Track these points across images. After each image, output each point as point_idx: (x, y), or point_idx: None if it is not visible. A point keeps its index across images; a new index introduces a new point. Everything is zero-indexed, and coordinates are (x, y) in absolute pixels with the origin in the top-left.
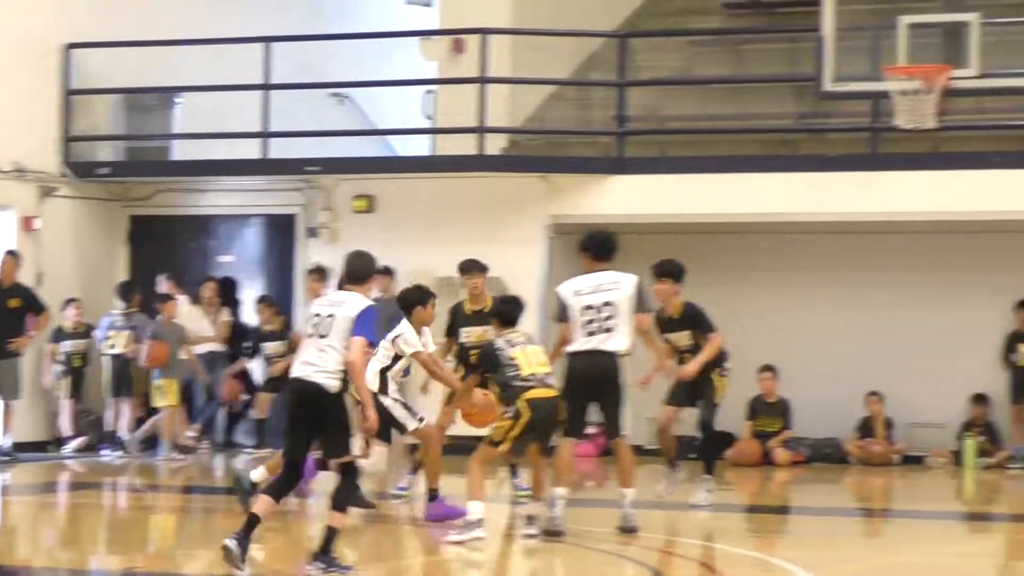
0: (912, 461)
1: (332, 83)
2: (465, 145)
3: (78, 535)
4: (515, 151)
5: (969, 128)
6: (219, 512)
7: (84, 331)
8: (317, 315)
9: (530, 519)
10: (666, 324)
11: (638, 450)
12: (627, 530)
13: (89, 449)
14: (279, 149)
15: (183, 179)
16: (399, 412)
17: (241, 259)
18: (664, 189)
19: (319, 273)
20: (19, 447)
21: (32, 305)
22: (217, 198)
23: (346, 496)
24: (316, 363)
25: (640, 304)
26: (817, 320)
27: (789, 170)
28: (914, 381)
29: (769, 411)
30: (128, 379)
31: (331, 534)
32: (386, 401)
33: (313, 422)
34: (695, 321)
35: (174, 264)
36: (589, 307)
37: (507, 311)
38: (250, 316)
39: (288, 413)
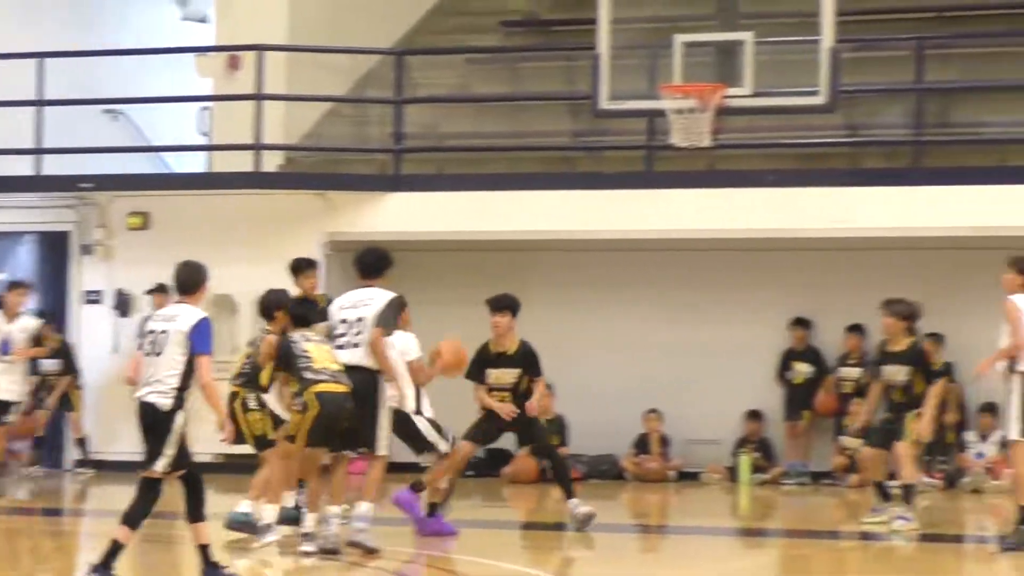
0: (688, 477)
1: (106, 99)
2: (241, 162)
3: None
4: (292, 168)
5: (743, 146)
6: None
7: None
8: (151, 331)
9: (306, 536)
10: (501, 360)
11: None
12: (354, 546)
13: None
14: (53, 165)
15: None
16: (431, 434)
17: (14, 276)
18: (441, 206)
19: (161, 290)
20: None
21: None
22: None
23: (139, 512)
24: (151, 382)
25: (380, 318)
26: (594, 337)
27: (566, 187)
28: (690, 398)
29: (546, 428)
30: None
31: (115, 548)
32: (420, 422)
33: (147, 440)
34: (528, 360)
35: None
36: (344, 321)
37: (301, 312)
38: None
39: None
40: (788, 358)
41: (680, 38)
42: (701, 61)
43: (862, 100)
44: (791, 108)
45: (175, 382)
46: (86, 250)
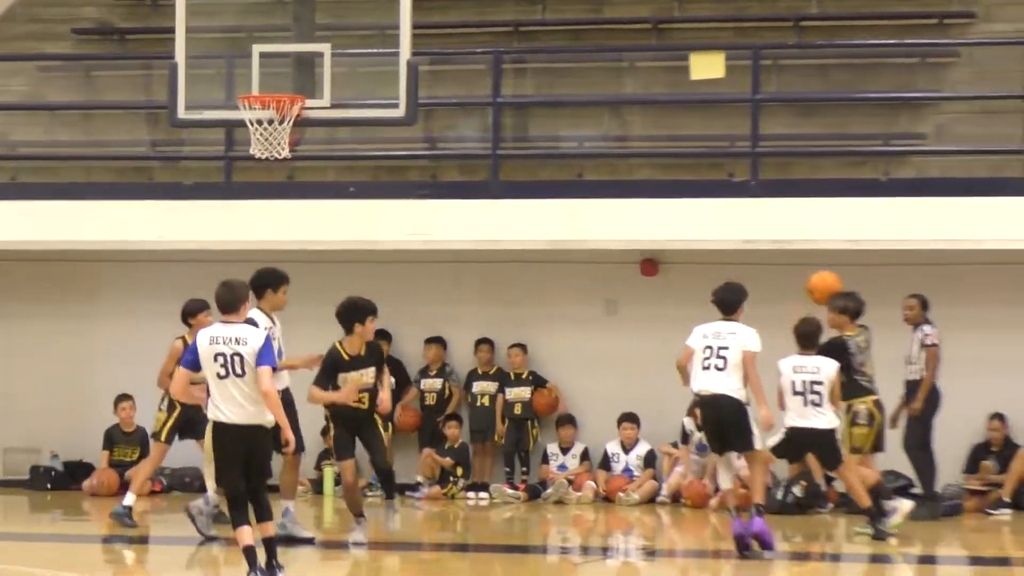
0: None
1: None
2: None
3: None
4: None
5: (323, 158)
6: None
7: None
8: (221, 355)
9: None
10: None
11: None
12: None
13: None
14: None
15: None
16: None
17: None
18: (17, 215)
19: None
20: None
21: None
22: None
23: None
24: (241, 403)
25: None
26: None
27: (144, 197)
28: None
29: (127, 440)
30: None
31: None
32: None
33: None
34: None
35: None
36: None
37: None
38: None
39: (229, 453)
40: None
41: (258, 48)
42: (279, 72)
43: (440, 113)
44: (370, 120)
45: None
46: None
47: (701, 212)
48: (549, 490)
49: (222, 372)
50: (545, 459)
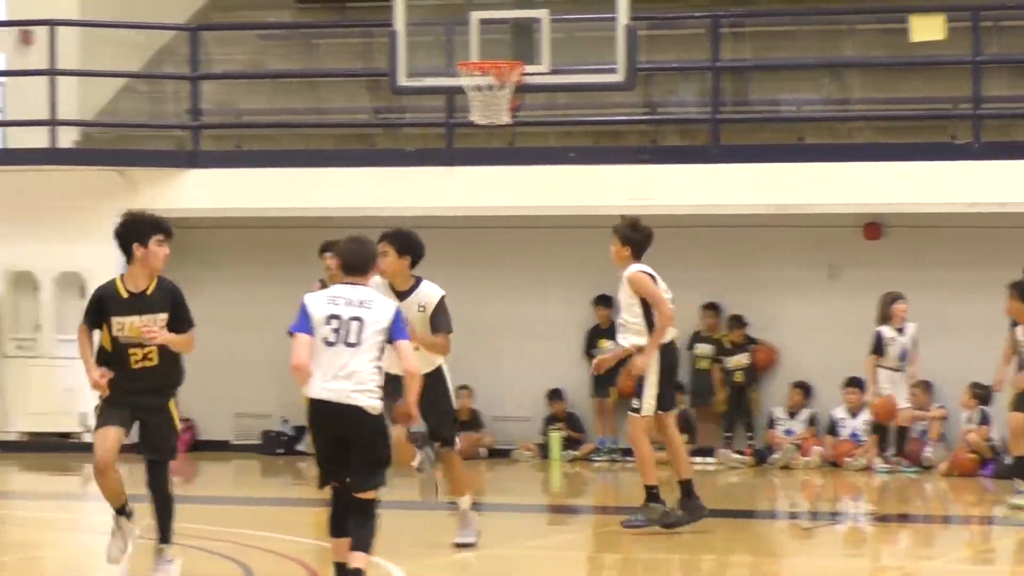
0: (499, 455)
1: None
2: (37, 138)
3: None
4: (88, 144)
5: (542, 124)
6: None
7: None
8: (335, 316)
9: None
10: None
11: None
12: None
13: None
14: None
15: None
16: None
17: None
18: (240, 182)
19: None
20: None
21: None
22: None
23: (372, 534)
24: (343, 377)
25: None
26: None
27: (366, 164)
28: (499, 375)
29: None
30: None
31: None
32: None
33: (350, 449)
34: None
35: None
36: None
37: None
38: None
39: (326, 439)
40: (594, 335)
41: (476, 15)
42: (498, 38)
43: (659, 78)
44: (589, 85)
45: (378, 379)
46: None
47: (924, 175)
48: (776, 455)
49: (331, 338)
50: (771, 424)
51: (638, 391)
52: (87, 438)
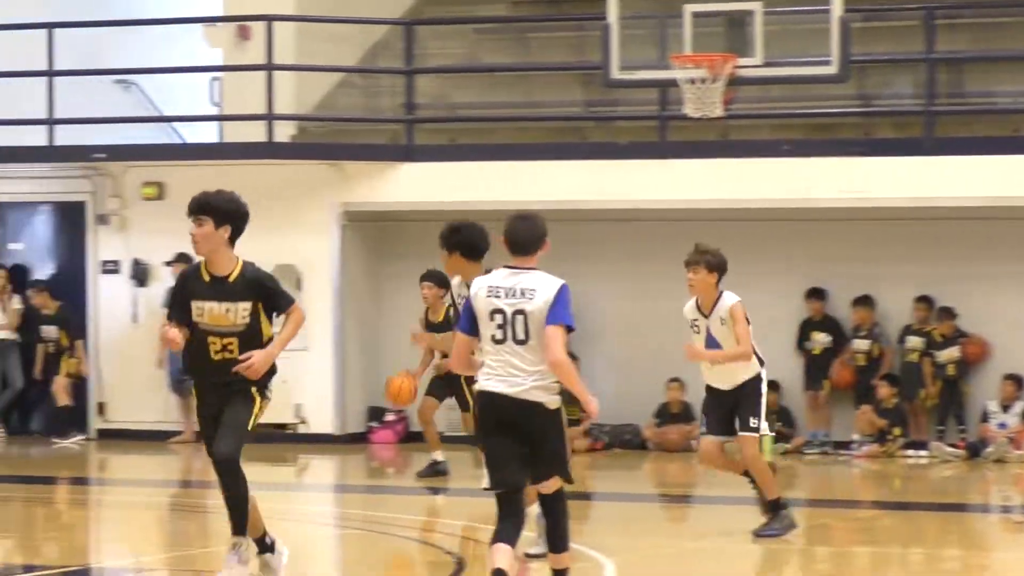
0: None
1: (116, 70)
2: (254, 132)
3: None
4: (304, 138)
5: (756, 116)
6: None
7: None
8: (498, 311)
9: None
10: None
11: None
12: None
13: None
14: (66, 136)
15: None
16: None
17: (31, 246)
18: (454, 176)
19: (182, 259)
20: None
21: None
22: (4, 185)
23: (567, 530)
24: (517, 372)
25: None
26: (612, 308)
27: (578, 157)
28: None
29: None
30: None
31: None
32: None
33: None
34: None
35: None
36: None
37: None
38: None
39: (496, 437)
40: (806, 328)
41: (689, 8)
42: (711, 31)
43: (872, 70)
44: (802, 78)
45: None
46: (102, 220)
47: None
48: (990, 448)
49: (498, 335)
50: (984, 418)
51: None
52: (301, 429)
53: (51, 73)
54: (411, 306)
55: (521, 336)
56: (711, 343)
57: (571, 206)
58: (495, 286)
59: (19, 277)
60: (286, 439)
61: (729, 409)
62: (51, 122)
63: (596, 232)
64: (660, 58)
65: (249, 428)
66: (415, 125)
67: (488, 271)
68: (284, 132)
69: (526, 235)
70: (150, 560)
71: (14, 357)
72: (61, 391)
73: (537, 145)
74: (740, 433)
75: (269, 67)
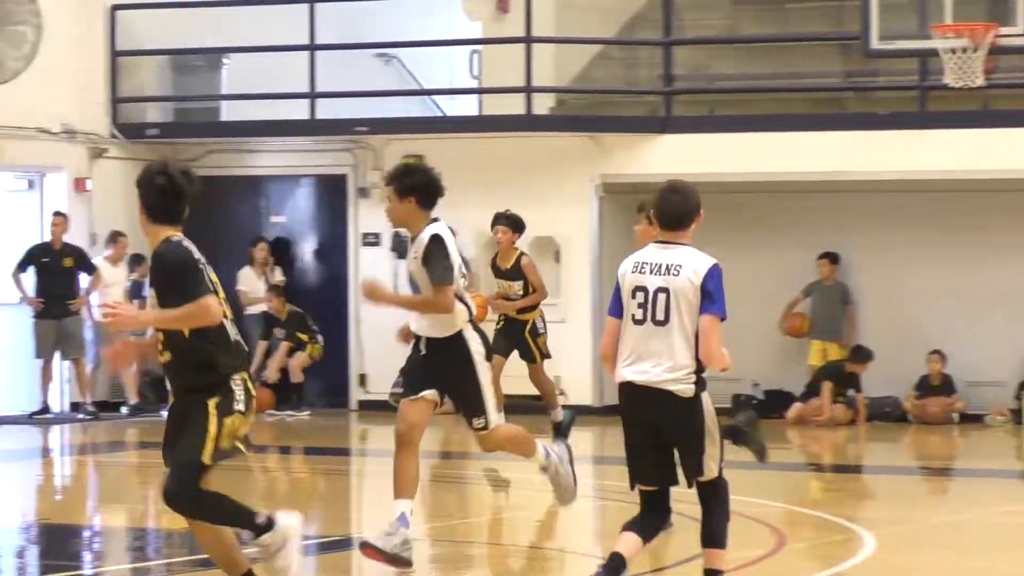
0: (971, 420)
1: (377, 43)
2: (513, 104)
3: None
4: (563, 110)
5: (1018, 86)
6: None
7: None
8: (641, 289)
9: None
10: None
11: None
12: None
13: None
14: (327, 109)
15: (232, 140)
16: None
17: (292, 219)
18: (712, 147)
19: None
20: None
21: (83, 265)
22: (267, 159)
23: (725, 523)
24: (649, 358)
25: None
26: (871, 279)
27: (837, 128)
28: (973, 340)
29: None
30: None
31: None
32: None
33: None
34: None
35: (226, 224)
36: None
37: None
38: (303, 276)
39: (634, 430)
40: None
41: None
42: (973, 0)
43: None
44: None
45: (693, 360)
46: (363, 193)
47: None
48: None
49: (638, 315)
50: None
51: None
52: (560, 401)
53: (313, 47)
54: None
55: (661, 316)
56: None
57: (830, 177)
58: (641, 261)
59: (281, 250)
60: (544, 411)
61: None
62: (313, 96)
63: (855, 203)
64: (920, 27)
65: None
66: (673, 97)
67: (435, 220)
68: (543, 104)
69: (679, 208)
70: (411, 532)
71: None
72: (297, 369)
73: (796, 116)
74: None
75: (528, 39)
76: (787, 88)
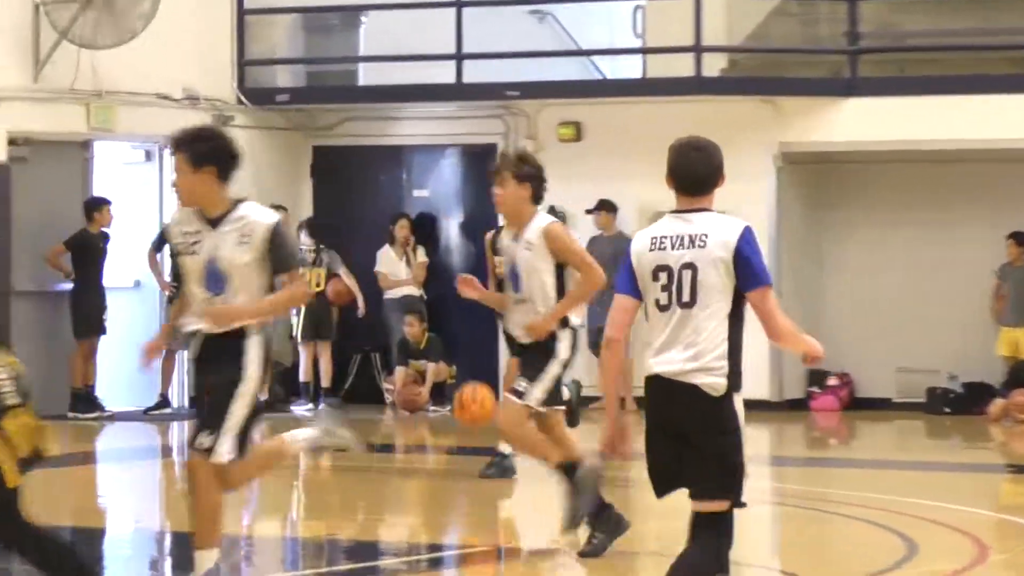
0: None
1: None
2: (680, 66)
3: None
4: (736, 72)
5: None
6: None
7: None
8: (664, 267)
9: None
10: None
11: None
12: None
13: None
14: (475, 73)
15: (370, 106)
16: None
17: (436, 193)
18: (902, 112)
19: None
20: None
21: None
22: (409, 127)
23: (712, 561)
24: (677, 347)
25: None
26: None
27: None
28: None
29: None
30: (327, 320)
31: None
32: None
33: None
34: None
35: (363, 199)
36: None
37: None
38: (449, 256)
39: (654, 430)
40: None
41: None
42: None
43: None
44: None
45: (725, 347)
46: None
47: None
48: None
49: (663, 299)
50: None
51: None
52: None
53: (460, 3)
54: (855, 260)
55: (687, 298)
56: None
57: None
58: (659, 235)
59: (424, 228)
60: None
61: None
62: (460, 57)
63: None
64: None
65: None
66: (859, 56)
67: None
68: (713, 66)
69: (702, 167)
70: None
71: None
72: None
73: (995, 77)
74: None
75: None
76: (985, 46)
